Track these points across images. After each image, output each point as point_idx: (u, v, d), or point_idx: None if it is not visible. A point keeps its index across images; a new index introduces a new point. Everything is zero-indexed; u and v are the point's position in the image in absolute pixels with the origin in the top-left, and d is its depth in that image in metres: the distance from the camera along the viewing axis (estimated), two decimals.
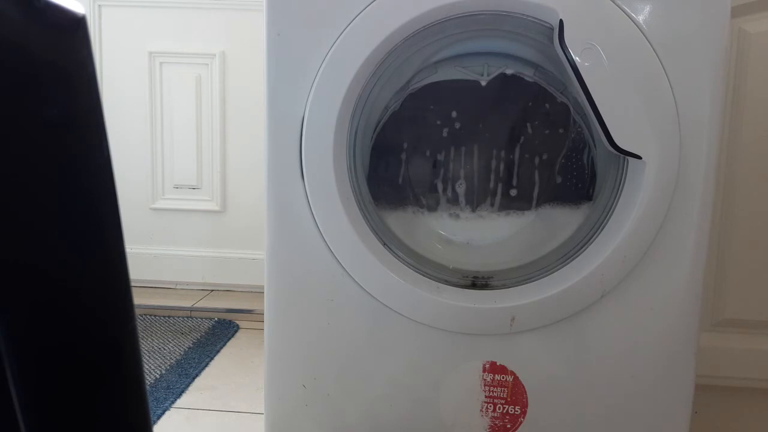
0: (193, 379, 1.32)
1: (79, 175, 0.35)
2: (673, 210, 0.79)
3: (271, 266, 0.83)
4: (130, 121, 1.83)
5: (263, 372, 0.87)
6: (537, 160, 0.90)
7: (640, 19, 0.76)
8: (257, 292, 1.82)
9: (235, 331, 1.60)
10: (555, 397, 0.84)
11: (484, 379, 0.84)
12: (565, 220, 0.88)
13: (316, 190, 0.80)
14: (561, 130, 0.89)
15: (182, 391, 1.26)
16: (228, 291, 1.87)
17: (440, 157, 0.91)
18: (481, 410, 0.85)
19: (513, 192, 0.90)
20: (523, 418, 0.84)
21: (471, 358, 0.84)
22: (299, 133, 0.79)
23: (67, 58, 0.34)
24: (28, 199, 0.34)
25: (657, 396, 0.84)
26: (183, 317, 1.68)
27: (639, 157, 0.76)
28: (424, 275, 0.82)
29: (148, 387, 1.24)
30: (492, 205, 0.91)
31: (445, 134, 0.90)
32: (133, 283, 0.39)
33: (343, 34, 0.77)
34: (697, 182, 0.79)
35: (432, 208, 0.91)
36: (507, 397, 0.84)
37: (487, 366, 0.84)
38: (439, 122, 0.90)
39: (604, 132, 0.76)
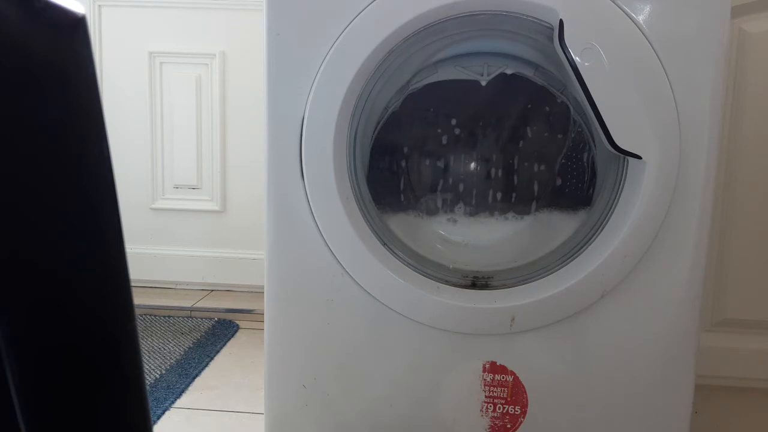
0: (193, 379, 1.32)
1: (79, 175, 0.35)
2: (673, 210, 0.79)
3: (271, 266, 0.83)
4: (130, 121, 1.83)
5: (263, 372, 0.87)
6: (537, 161, 0.90)
7: (640, 19, 0.76)
8: (257, 292, 1.82)
9: (235, 331, 1.60)
10: (555, 397, 0.84)
11: (484, 379, 0.84)
12: (563, 223, 0.88)
13: (316, 190, 0.80)
14: (561, 131, 0.89)
15: (182, 391, 1.26)
16: (228, 291, 1.87)
17: (440, 158, 0.91)
18: (481, 410, 0.85)
19: (512, 195, 0.90)
20: (523, 418, 0.84)
21: (471, 358, 0.84)
22: (299, 133, 0.79)
23: (67, 59, 0.34)
24: (28, 200, 0.34)
25: (657, 396, 0.84)
26: (183, 317, 1.68)
27: (639, 157, 0.77)
28: (424, 275, 0.82)
29: (148, 387, 1.24)
30: (491, 208, 0.91)
31: (444, 134, 0.90)
32: (133, 283, 0.39)
33: (343, 34, 0.77)
34: (697, 182, 0.79)
35: (432, 211, 0.91)
36: (507, 397, 0.84)
37: (487, 366, 0.84)
38: (439, 122, 0.90)
39: (604, 132, 0.76)
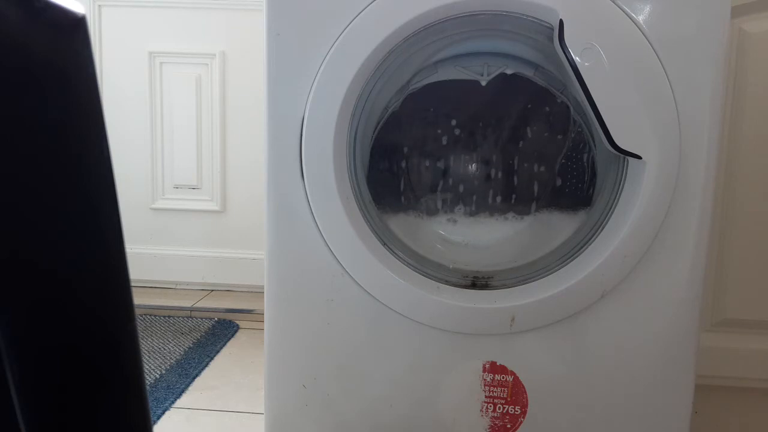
0: (193, 379, 1.32)
1: (79, 175, 0.35)
2: (673, 210, 0.79)
3: (271, 266, 0.83)
4: (130, 121, 1.83)
5: (263, 372, 0.87)
6: (537, 161, 0.90)
7: (640, 19, 0.76)
8: (257, 292, 1.82)
9: (235, 331, 1.60)
10: (555, 397, 0.84)
11: (484, 379, 0.84)
12: (563, 223, 0.88)
13: (316, 190, 0.80)
14: (561, 131, 0.89)
15: (182, 391, 1.26)
16: (228, 291, 1.87)
17: (440, 158, 0.91)
18: (481, 410, 0.85)
19: (512, 195, 0.90)
20: (523, 418, 0.84)
21: (471, 358, 0.84)
22: (299, 133, 0.79)
23: (67, 58, 0.34)
24: (28, 199, 0.34)
25: (657, 396, 0.84)
26: (183, 317, 1.68)
27: (639, 157, 0.77)
28: (424, 275, 0.82)
29: (148, 387, 1.24)
30: (491, 209, 0.91)
31: (444, 135, 0.90)
32: (133, 283, 0.39)
33: (343, 34, 0.77)
34: (697, 182, 0.79)
35: (432, 211, 0.91)
36: (507, 397, 0.84)
37: (487, 366, 0.84)
38: (439, 122, 0.90)
39: (604, 132, 0.76)
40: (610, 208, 0.81)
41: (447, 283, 0.82)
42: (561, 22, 0.75)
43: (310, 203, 0.80)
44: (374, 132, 0.88)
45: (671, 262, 0.80)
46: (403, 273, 0.81)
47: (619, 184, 0.81)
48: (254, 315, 1.70)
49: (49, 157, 0.34)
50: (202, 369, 1.37)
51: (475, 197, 0.91)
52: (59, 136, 0.35)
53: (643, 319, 0.82)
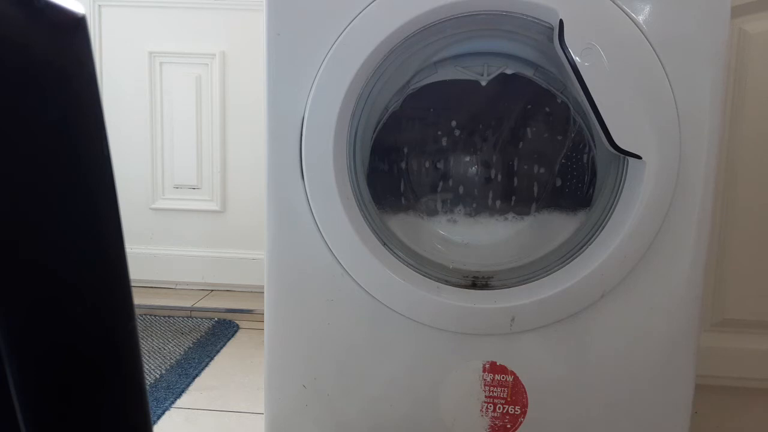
0: (193, 379, 1.32)
1: (79, 174, 0.35)
2: (673, 210, 0.79)
3: (271, 266, 0.83)
4: (131, 121, 1.83)
5: (263, 372, 0.87)
6: (537, 161, 0.90)
7: (640, 19, 0.76)
8: (257, 292, 1.82)
9: (235, 331, 1.60)
10: (555, 397, 0.84)
11: (484, 379, 0.84)
12: (563, 223, 0.88)
13: (316, 190, 0.80)
14: (561, 131, 0.89)
15: (182, 391, 1.26)
16: (228, 291, 1.87)
17: (440, 158, 0.91)
18: (481, 410, 0.85)
19: (512, 196, 0.90)
20: (523, 418, 0.84)
21: (471, 358, 0.84)
22: (299, 133, 0.79)
23: (67, 58, 0.34)
24: (28, 199, 0.34)
25: (657, 396, 0.84)
26: (183, 317, 1.68)
27: (639, 157, 0.77)
28: (424, 275, 0.82)
29: (148, 387, 1.24)
30: (491, 209, 0.91)
31: (444, 135, 0.90)
32: (133, 283, 0.39)
33: (343, 34, 0.77)
34: (697, 182, 0.79)
35: (432, 212, 0.91)
36: (507, 397, 0.84)
37: (487, 366, 0.84)
38: (439, 123, 0.90)
39: (604, 132, 0.76)
40: (610, 208, 0.81)
41: (447, 283, 0.82)
42: (561, 22, 0.75)
43: (310, 203, 0.80)
44: (374, 132, 0.88)
45: (671, 262, 0.80)
46: (403, 273, 0.81)
47: (619, 184, 0.81)
48: (254, 315, 1.70)
49: (49, 157, 0.34)
50: (202, 369, 1.37)
51: (475, 198, 0.91)
52: (59, 136, 0.35)
53: (643, 319, 0.82)
